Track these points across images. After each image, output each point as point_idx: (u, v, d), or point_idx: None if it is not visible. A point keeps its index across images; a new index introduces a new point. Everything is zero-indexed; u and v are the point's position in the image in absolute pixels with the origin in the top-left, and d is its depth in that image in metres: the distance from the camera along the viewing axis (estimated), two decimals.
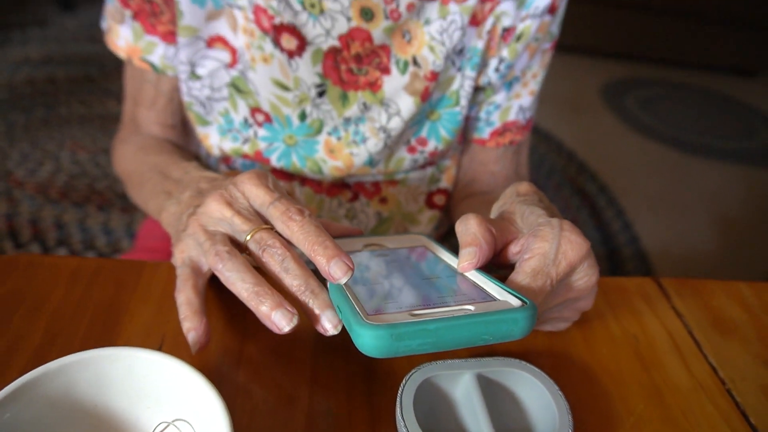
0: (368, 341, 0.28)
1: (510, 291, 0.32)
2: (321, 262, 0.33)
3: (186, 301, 0.36)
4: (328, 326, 0.33)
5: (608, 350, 0.40)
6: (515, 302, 0.31)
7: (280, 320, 0.32)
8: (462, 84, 0.57)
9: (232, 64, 0.54)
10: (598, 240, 1.87)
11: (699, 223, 2.02)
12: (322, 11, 0.50)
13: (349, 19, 0.51)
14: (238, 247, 0.37)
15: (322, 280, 0.35)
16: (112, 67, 2.23)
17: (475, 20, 0.54)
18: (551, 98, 2.73)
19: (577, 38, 3.21)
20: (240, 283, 0.34)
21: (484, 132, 0.63)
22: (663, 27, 3.25)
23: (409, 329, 0.28)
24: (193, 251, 0.38)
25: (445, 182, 0.68)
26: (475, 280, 0.35)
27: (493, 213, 0.42)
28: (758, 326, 0.44)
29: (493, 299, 0.32)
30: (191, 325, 0.35)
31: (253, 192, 0.37)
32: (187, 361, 0.29)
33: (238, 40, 0.52)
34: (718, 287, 0.48)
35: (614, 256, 1.76)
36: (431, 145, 0.60)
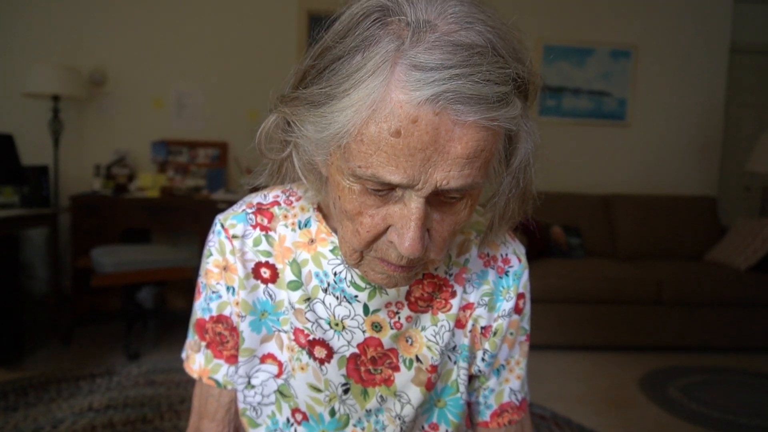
0: None
1: None
2: None
3: None
4: None
5: None
6: None
7: None
8: (458, 374, 0.71)
9: (278, 375, 0.70)
10: None
11: None
12: (344, 328, 0.68)
13: (364, 332, 0.68)
14: None
15: None
16: (166, 408, 2.40)
17: (460, 323, 0.71)
18: (591, 396, 2.74)
19: (605, 338, 3.34)
20: None
21: (486, 414, 0.74)
22: (682, 317, 3.41)
23: None
24: None
25: None
26: None
27: None
28: None
29: None
30: None
31: None
32: None
33: (284, 355, 0.69)
34: None
35: None
36: (442, 429, 0.71)
